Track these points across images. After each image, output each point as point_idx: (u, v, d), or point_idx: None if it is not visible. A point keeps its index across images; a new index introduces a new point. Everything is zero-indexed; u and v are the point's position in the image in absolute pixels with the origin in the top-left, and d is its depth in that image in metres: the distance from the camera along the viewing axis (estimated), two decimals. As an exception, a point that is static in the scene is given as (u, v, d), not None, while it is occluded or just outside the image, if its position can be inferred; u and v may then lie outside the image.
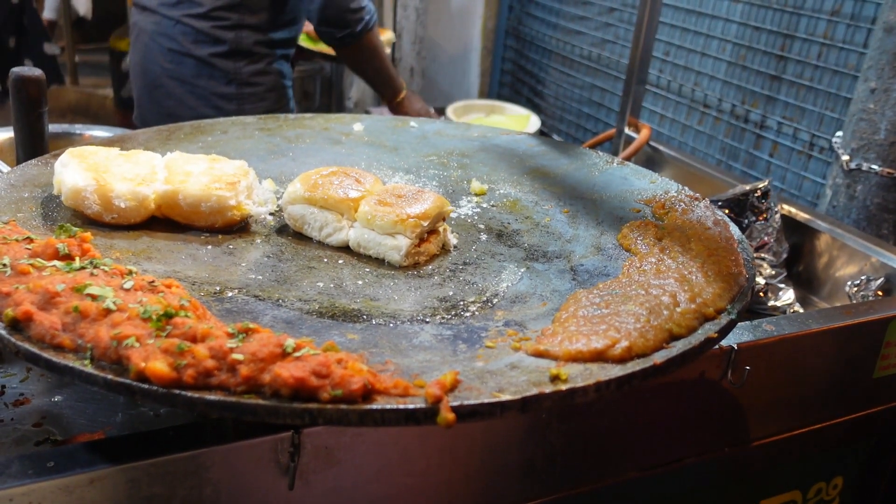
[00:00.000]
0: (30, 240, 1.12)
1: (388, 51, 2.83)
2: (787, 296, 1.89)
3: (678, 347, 1.03)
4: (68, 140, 1.99)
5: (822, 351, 1.48)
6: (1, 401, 1.43)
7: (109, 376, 0.90)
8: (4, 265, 1.04)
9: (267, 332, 0.94)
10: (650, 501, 1.44)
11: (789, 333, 1.42)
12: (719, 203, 1.89)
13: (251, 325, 0.94)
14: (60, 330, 0.95)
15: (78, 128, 2.00)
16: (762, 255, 1.89)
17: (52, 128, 1.97)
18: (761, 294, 1.89)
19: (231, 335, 0.93)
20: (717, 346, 1.32)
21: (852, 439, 1.63)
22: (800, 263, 2.00)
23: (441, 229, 1.35)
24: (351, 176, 1.40)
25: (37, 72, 1.66)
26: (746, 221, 1.89)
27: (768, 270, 1.90)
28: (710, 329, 1.08)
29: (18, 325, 0.97)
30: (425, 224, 1.29)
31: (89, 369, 0.91)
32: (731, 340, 1.36)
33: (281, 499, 1.11)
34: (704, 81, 2.71)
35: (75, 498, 1.01)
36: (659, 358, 1.00)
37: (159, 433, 1.06)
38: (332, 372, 0.88)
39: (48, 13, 6.03)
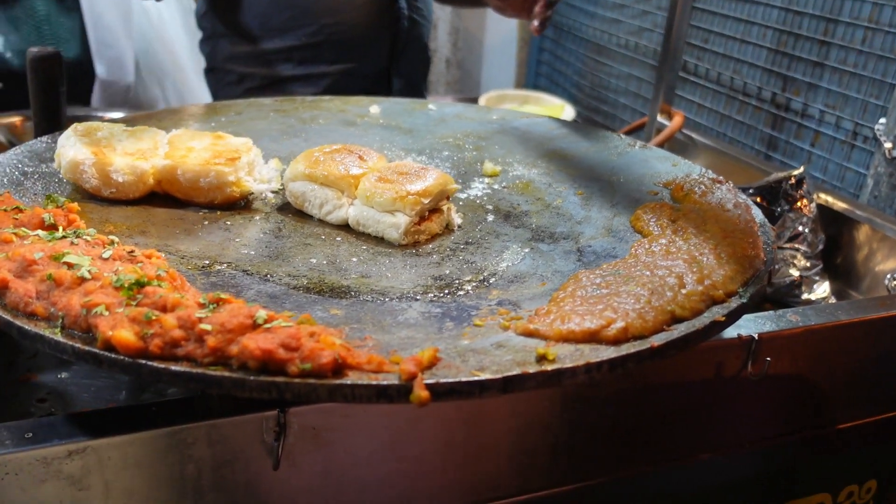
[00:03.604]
0: (18, 210, 1.10)
1: None
2: (823, 289, 1.79)
3: (680, 330, 0.96)
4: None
5: (853, 344, 1.38)
6: (8, 376, 1.42)
7: (77, 345, 0.88)
8: (-12, 234, 1.03)
9: (239, 303, 0.90)
10: (664, 498, 1.37)
11: (816, 324, 1.33)
12: (750, 191, 1.80)
13: (223, 296, 0.90)
14: (34, 298, 0.93)
15: (100, 111, 2.00)
16: (796, 245, 1.80)
17: (74, 111, 1.98)
18: (795, 287, 1.80)
19: (202, 305, 0.90)
20: (736, 336, 1.25)
21: (886, 440, 1.52)
22: (837, 255, 1.90)
23: (445, 208, 1.30)
24: (354, 153, 1.36)
25: (54, 51, 1.66)
26: (779, 210, 1.79)
27: (803, 262, 1.80)
28: (717, 312, 1.00)
29: (-6, 292, 0.95)
30: (426, 202, 1.24)
31: (58, 337, 0.89)
32: (751, 330, 1.28)
33: (266, 479, 1.07)
34: (744, 69, 2.61)
35: (52, 470, 0.98)
36: (657, 340, 0.93)
37: (142, 407, 1.04)
38: (301, 345, 0.84)
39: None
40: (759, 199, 1.80)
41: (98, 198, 1.30)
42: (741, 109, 2.61)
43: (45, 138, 1.50)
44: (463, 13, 3.71)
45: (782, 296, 1.79)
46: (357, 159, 1.34)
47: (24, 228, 1.05)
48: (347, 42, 2.33)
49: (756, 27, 2.52)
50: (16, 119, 1.89)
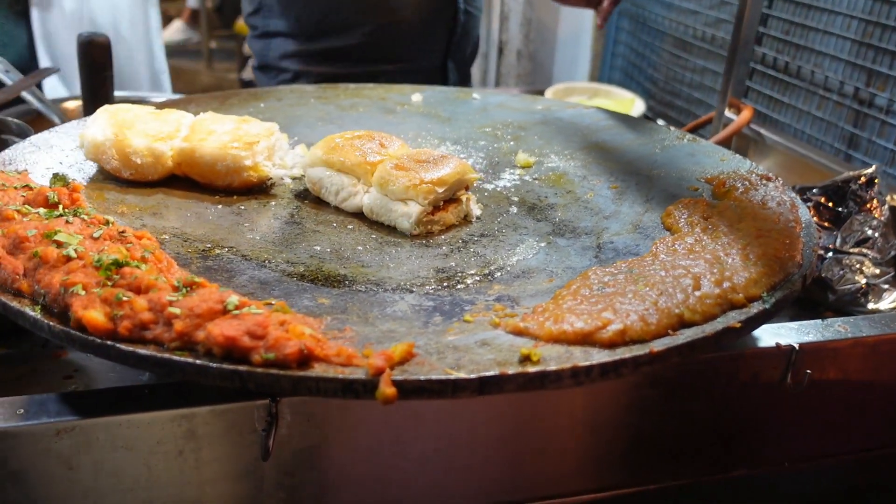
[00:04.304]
0: (28, 188, 1.11)
1: None
2: (893, 298, 1.64)
3: (686, 336, 0.88)
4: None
5: (912, 361, 1.25)
6: (44, 350, 1.45)
7: (53, 323, 0.87)
8: (-6, 210, 1.03)
9: (211, 288, 0.87)
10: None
11: (867, 336, 1.21)
12: (814, 190, 1.67)
13: (196, 280, 0.88)
14: (21, 275, 0.93)
15: (152, 95, 2.03)
16: (864, 251, 1.65)
17: (128, 94, 2.01)
18: (861, 295, 1.65)
19: (177, 289, 0.87)
20: (774, 345, 1.15)
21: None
22: (913, 264, 1.74)
23: (463, 198, 1.25)
24: (375, 139, 1.31)
25: (102, 36, 1.68)
26: (845, 212, 1.65)
27: (871, 269, 1.65)
28: (733, 318, 0.91)
29: (-11, 268, 0.96)
30: (440, 191, 1.19)
31: (37, 315, 0.88)
32: (792, 339, 1.17)
33: (254, 469, 1.05)
34: (826, 62, 2.44)
35: (41, 448, 0.98)
36: (658, 345, 0.85)
37: (135, 389, 1.02)
38: (267, 333, 0.81)
39: (191, 1, 6.35)
40: (823, 200, 1.66)
41: (120, 179, 1.30)
42: (821, 105, 2.43)
43: (84, 120, 1.52)
44: (536, 4, 3.62)
45: (845, 304, 1.65)
46: (378, 146, 1.30)
47: (27, 206, 1.05)
48: (406, 39, 2.29)
49: (840, 17, 2.35)
50: (72, 104, 1.94)
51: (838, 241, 1.60)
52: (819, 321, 1.23)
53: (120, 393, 1.02)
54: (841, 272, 1.65)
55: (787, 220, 1.14)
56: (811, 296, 1.53)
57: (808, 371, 1.17)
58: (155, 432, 1.00)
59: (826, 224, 1.63)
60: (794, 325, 1.20)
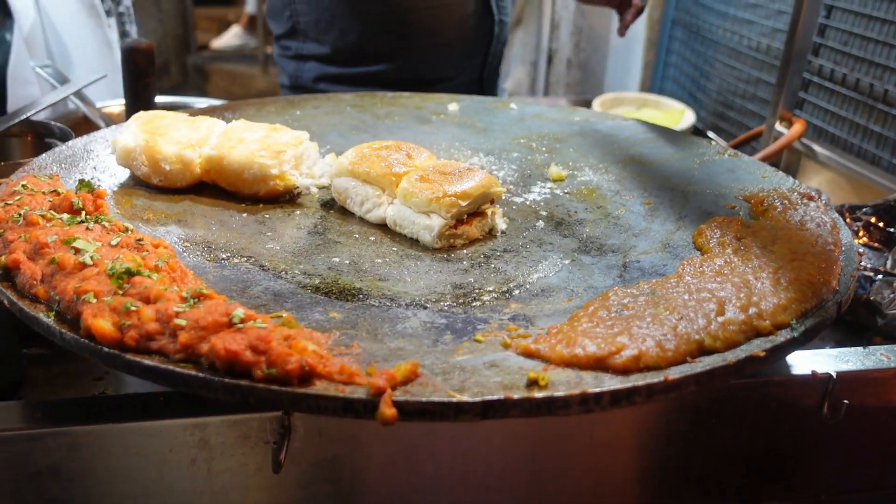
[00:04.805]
0: (56, 193, 1.13)
1: None
2: (946, 325, 1.55)
3: (705, 363, 0.83)
4: (183, 111, 2.05)
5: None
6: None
7: (64, 331, 0.87)
8: (20, 215, 1.05)
9: (218, 300, 0.87)
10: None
11: (913, 367, 1.14)
12: (864, 209, 1.59)
13: (204, 291, 0.87)
14: (38, 280, 0.93)
15: (195, 100, 2.05)
16: (917, 275, 1.57)
17: (171, 99, 2.04)
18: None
19: (185, 300, 0.87)
20: (810, 373, 1.10)
21: None
22: (970, 289, 1.65)
23: (489, 212, 1.22)
24: (403, 150, 1.30)
25: (146, 42, 1.71)
26: (897, 233, 1.57)
27: (924, 294, 1.57)
28: (757, 346, 0.87)
29: (10, 272, 0.97)
30: (464, 204, 1.17)
31: (50, 321, 0.89)
32: (830, 367, 1.12)
33: (266, 482, 1.04)
34: (886, 74, 2.34)
35: (57, 452, 0.99)
36: (674, 373, 0.82)
37: (150, 396, 1.03)
38: (270, 348, 0.79)
39: (249, 7, 6.46)
40: (874, 220, 1.59)
41: (149, 186, 1.31)
42: (880, 119, 2.33)
43: (120, 125, 1.54)
44: (588, 12, 3.56)
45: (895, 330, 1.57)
46: (404, 157, 1.28)
47: (52, 211, 1.06)
48: (445, 60, 2.26)
49: (902, 28, 2.25)
50: (116, 108, 1.97)
51: (889, 262, 1.53)
52: (860, 349, 1.17)
53: (134, 400, 1.02)
54: (891, 295, 1.57)
55: (825, 242, 1.09)
56: (860, 320, 1.46)
57: (846, 401, 1.11)
58: (168, 440, 1.00)
59: (876, 245, 1.56)
60: (833, 351, 1.15)
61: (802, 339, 0.90)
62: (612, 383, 0.80)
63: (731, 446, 1.15)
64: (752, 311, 0.90)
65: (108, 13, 2.35)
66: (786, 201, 1.23)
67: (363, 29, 2.16)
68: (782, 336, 0.89)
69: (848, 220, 1.60)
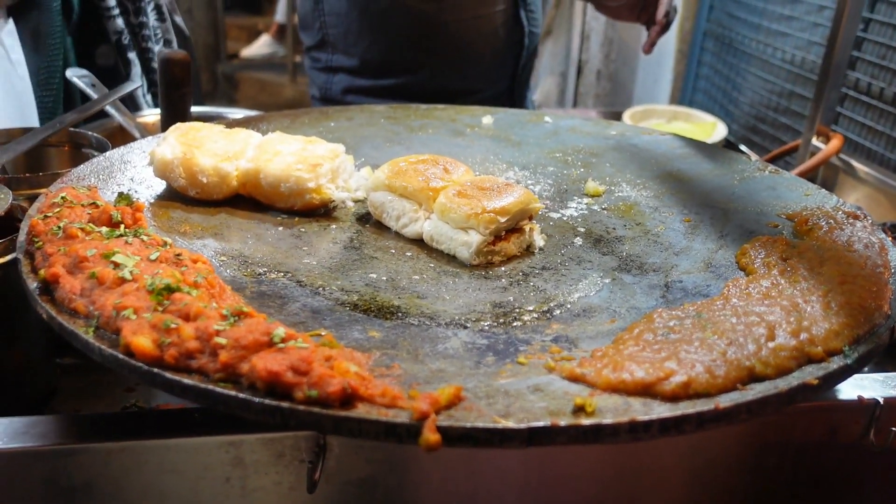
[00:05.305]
0: (95, 205, 1.12)
1: None
2: None
3: (756, 391, 0.81)
4: (218, 122, 2.05)
5: None
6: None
7: (104, 347, 0.86)
8: (59, 227, 1.05)
9: (259, 318, 0.85)
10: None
11: (963, 394, 1.11)
12: (906, 228, 1.56)
13: (245, 309, 0.86)
14: (77, 295, 0.93)
15: (227, 110, 2.06)
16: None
17: (206, 110, 2.05)
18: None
19: (225, 318, 0.86)
20: (856, 398, 1.07)
21: None
22: None
23: (527, 228, 1.20)
24: (440, 164, 1.29)
25: (182, 53, 1.71)
26: (942, 253, 1.53)
27: (969, 316, 1.53)
28: (810, 373, 0.84)
29: (49, 286, 0.96)
30: (503, 220, 1.15)
31: (89, 337, 0.88)
32: (877, 392, 1.09)
33: (299, 501, 1.03)
34: (926, 89, 2.30)
35: (92, 468, 0.99)
36: (725, 401, 0.79)
37: (185, 413, 1.02)
38: (311, 369, 0.78)
39: (279, 17, 6.49)
40: (916, 239, 1.55)
41: (186, 198, 1.31)
42: (921, 135, 2.29)
43: (159, 135, 1.54)
44: (618, 24, 3.54)
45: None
46: (442, 171, 1.27)
47: (91, 224, 1.06)
48: (475, 72, 2.25)
49: (943, 42, 2.21)
50: (149, 118, 1.98)
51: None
52: (907, 374, 1.14)
53: (169, 416, 1.02)
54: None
55: (874, 264, 1.06)
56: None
57: (894, 429, 1.08)
58: (202, 457, 0.99)
59: (920, 265, 1.52)
60: (880, 376, 1.12)
61: (856, 367, 0.87)
62: (660, 410, 0.78)
63: (774, 474, 1.12)
64: (803, 336, 0.87)
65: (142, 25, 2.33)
66: (831, 221, 1.20)
67: (391, 41, 2.16)
68: (835, 363, 0.86)
69: (890, 237, 1.57)
